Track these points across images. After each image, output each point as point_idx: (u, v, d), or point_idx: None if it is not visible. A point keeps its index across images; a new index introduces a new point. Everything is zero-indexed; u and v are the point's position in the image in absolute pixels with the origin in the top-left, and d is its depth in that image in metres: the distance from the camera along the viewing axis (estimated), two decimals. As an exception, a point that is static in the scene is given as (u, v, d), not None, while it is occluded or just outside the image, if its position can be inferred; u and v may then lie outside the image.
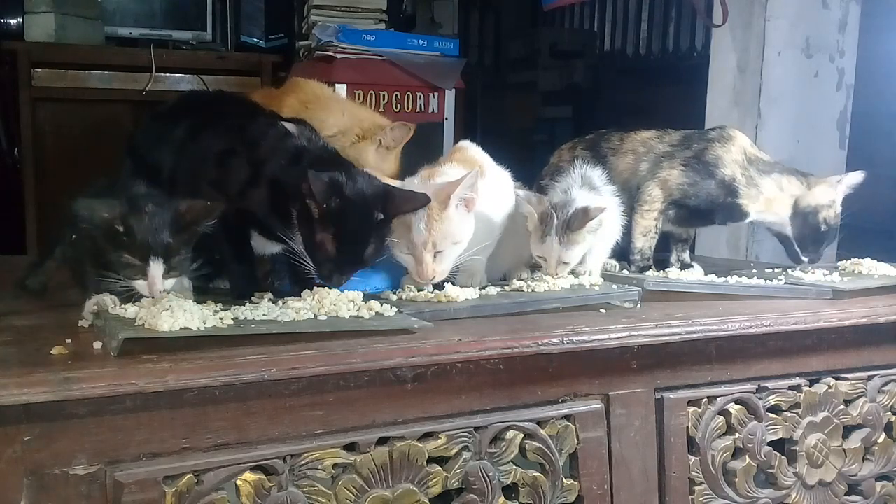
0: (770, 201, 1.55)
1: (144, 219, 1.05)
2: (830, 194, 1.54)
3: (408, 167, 1.55)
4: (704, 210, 1.57)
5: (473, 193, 1.27)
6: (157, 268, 1.05)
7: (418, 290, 1.26)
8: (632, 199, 1.56)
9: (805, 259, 1.57)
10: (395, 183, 1.31)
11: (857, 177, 1.57)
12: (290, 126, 1.24)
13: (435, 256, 1.24)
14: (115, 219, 1.04)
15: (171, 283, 1.08)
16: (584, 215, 1.32)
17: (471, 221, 1.29)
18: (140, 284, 1.06)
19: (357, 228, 1.15)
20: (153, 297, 1.06)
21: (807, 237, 1.55)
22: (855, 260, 1.65)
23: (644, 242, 1.56)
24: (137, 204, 1.07)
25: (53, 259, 1.26)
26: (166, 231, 1.06)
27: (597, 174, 1.45)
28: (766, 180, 1.55)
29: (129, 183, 1.18)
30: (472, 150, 1.45)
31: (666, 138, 1.61)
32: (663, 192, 1.55)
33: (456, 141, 1.55)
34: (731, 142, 1.57)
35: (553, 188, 1.43)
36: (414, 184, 1.31)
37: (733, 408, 1.28)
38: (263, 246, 1.26)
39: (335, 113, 1.54)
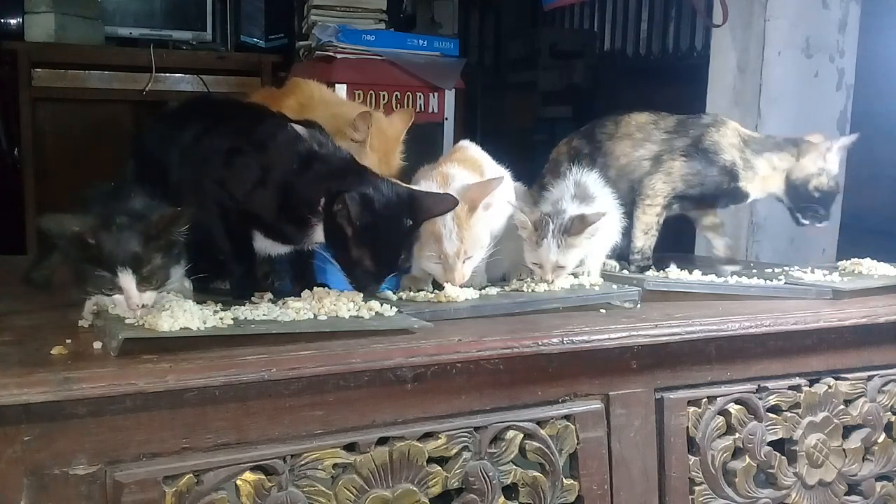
0: (765, 179, 1.58)
1: (113, 230, 1.01)
2: (819, 162, 1.56)
3: (408, 167, 1.54)
4: (709, 197, 1.59)
5: (493, 199, 1.29)
6: (127, 279, 1.00)
7: (418, 291, 1.26)
8: (631, 188, 1.56)
9: (806, 222, 1.60)
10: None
11: (849, 139, 1.59)
12: (300, 129, 1.23)
13: (464, 262, 1.26)
14: (87, 232, 1.00)
15: (150, 296, 1.02)
16: (582, 222, 1.32)
17: (488, 223, 1.30)
18: (118, 300, 1.02)
19: (390, 239, 1.15)
20: (134, 313, 1.01)
21: (802, 206, 1.58)
22: (855, 260, 1.65)
23: (645, 241, 1.56)
24: (110, 216, 1.03)
25: (58, 253, 1.26)
26: (135, 241, 1.01)
27: (591, 179, 1.44)
28: (760, 160, 1.57)
29: (115, 191, 1.16)
30: (472, 149, 1.45)
31: (661, 123, 1.62)
32: (667, 185, 1.55)
33: (456, 141, 1.54)
34: (725, 126, 1.59)
35: (545, 199, 1.42)
36: (432, 188, 1.29)
37: (733, 408, 1.28)
38: (271, 247, 1.26)
39: (319, 113, 1.51)
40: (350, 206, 1.10)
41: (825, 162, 1.56)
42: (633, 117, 1.64)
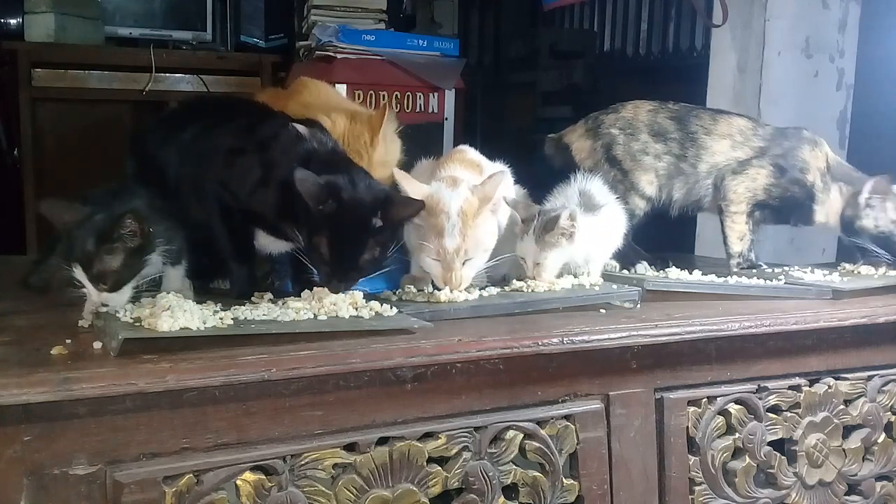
0: (831, 208, 1.60)
1: (84, 226, 1.03)
2: (861, 199, 1.57)
3: (408, 168, 1.54)
4: (785, 211, 1.60)
5: (499, 196, 1.28)
6: (80, 274, 1.03)
7: (417, 291, 1.26)
8: (716, 185, 1.57)
9: (860, 261, 1.62)
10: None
11: (879, 182, 1.59)
12: (300, 128, 1.23)
13: (464, 263, 1.23)
14: (68, 225, 1.03)
15: (108, 297, 1.04)
16: (555, 222, 1.30)
17: (496, 226, 1.29)
18: (86, 291, 1.04)
19: (351, 233, 1.13)
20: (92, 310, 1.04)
21: (852, 243, 1.61)
22: (855, 260, 1.66)
23: (741, 246, 1.58)
24: (91, 213, 1.05)
25: (56, 257, 1.26)
26: (90, 240, 1.03)
27: (596, 186, 1.43)
28: (834, 187, 1.59)
29: (123, 191, 1.17)
30: (470, 152, 1.45)
31: (760, 131, 1.62)
32: (749, 191, 1.56)
33: (456, 141, 1.54)
34: (819, 148, 1.60)
35: (550, 204, 1.41)
36: (441, 188, 1.26)
37: (733, 408, 1.28)
38: (272, 244, 1.25)
39: (309, 114, 1.49)
40: (301, 184, 1.09)
41: (864, 201, 1.57)
42: (735, 120, 1.62)
